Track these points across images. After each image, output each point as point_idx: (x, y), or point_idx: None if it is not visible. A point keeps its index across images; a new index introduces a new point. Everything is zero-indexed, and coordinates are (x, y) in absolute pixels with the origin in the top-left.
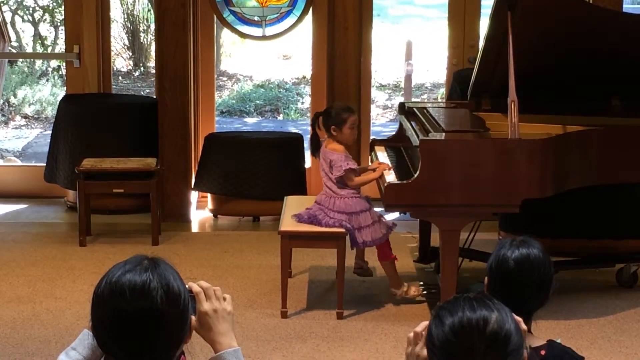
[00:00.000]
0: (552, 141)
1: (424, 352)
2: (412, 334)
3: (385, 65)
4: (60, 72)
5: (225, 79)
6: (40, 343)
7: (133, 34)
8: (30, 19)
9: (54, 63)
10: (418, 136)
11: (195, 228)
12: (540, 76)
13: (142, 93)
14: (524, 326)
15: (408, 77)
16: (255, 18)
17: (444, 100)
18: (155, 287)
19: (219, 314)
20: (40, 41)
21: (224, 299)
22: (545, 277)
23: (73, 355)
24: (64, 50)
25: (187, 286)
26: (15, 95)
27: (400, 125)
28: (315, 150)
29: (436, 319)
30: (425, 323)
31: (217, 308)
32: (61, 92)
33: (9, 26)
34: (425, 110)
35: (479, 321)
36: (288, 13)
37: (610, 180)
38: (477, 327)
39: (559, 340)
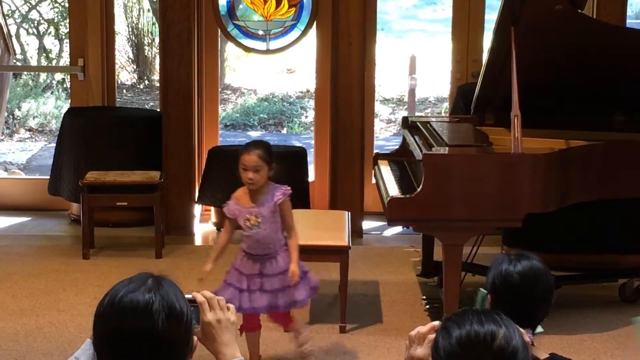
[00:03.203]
0: (556, 156)
1: (418, 351)
2: (415, 332)
3: (388, 79)
4: (64, 85)
5: (229, 92)
6: (43, 356)
7: (137, 47)
8: (35, 32)
9: (58, 76)
10: (421, 150)
11: (198, 241)
12: (543, 91)
13: (146, 106)
14: (527, 337)
15: (411, 91)
16: (260, 32)
17: (447, 115)
18: (157, 310)
19: (223, 324)
20: (44, 54)
21: (228, 309)
22: (549, 286)
23: None
24: (68, 64)
25: (191, 296)
26: (19, 108)
27: (404, 139)
28: None
29: (443, 331)
30: (433, 324)
31: (221, 318)
32: (65, 105)
33: (14, 39)
34: (428, 125)
35: (486, 336)
36: (292, 27)
37: (613, 195)
38: (484, 342)
39: None
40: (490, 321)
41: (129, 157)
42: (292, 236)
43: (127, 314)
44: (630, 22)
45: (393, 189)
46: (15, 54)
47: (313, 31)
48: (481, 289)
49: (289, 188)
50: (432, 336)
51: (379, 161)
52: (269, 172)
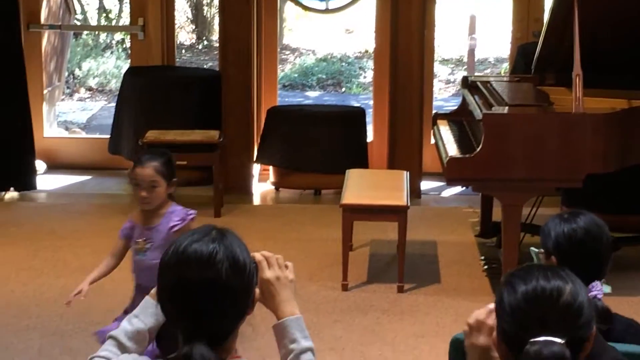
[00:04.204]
0: (617, 115)
1: (480, 340)
2: (473, 320)
3: (448, 39)
4: (124, 45)
5: (288, 52)
6: (106, 312)
7: (197, 7)
8: None
9: (118, 36)
10: (481, 110)
11: (257, 201)
12: (606, 50)
13: (204, 66)
14: (592, 293)
15: (471, 52)
16: None
17: (507, 75)
18: (221, 259)
19: (282, 281)
20: (104, 14)
21: (286, 267)
22: (610, 238)
23: (135, 323)
24: (128, 23)
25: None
26: (80, 68)
27: (464, 99)
28: None
29: (508, 286)
30: (489, 307)
31: (280, 276)
32: (125, 65)
33: None
34: (488, 84)
35: (553, 291)
36: None
37: None
38: (551, 297)
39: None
40: (556, 277)
41: (189, 117)
42: None
43: (191, 264)
44: None
45: (452, 149)
46: (75, 14)
47: None
48: (532, 248)
49: (193, 212)
50: (491, 322)
51: (438, 121)
52: (169, 189)
